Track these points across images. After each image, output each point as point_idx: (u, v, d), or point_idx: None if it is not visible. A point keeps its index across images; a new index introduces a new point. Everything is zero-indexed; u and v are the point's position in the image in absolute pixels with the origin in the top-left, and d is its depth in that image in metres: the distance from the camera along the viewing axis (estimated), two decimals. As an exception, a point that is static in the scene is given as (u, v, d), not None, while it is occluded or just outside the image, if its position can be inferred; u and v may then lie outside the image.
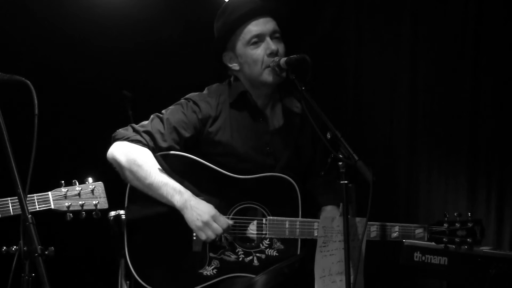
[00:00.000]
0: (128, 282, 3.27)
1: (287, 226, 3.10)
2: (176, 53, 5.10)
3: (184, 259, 3.13)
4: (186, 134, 3.20)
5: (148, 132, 3.15)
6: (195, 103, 3.25)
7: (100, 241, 3.86)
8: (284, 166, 3.25)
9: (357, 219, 2.94)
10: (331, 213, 3.24)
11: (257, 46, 3.18)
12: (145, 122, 3.21)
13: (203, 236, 3.04)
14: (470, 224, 3.09)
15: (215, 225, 3.03)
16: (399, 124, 5.16)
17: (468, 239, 3.08)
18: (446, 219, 3.11)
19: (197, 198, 3.07)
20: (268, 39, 3.18)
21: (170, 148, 3.17)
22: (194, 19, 5.02)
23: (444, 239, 3.10)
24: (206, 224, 3.02)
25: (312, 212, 3.29)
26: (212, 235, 3.03)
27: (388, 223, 3.09)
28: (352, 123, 5.20)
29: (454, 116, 4.92)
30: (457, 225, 3.09)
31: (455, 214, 3.12)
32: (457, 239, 3.09)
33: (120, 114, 4.19)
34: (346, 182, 2.75)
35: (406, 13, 5.11)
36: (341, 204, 2.79)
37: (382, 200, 3.08)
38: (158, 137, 3.15)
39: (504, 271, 3.45)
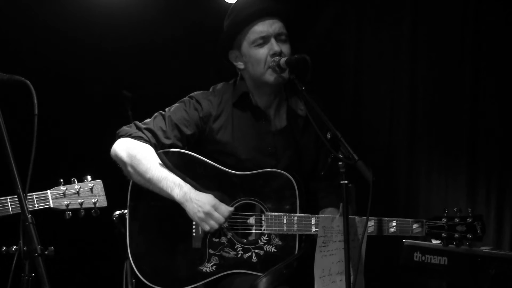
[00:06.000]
0: (134, 280, 3.26)
1: (285, 221, 3.10)
2: (176, 54, 5.10)
3: (184, 256, 3.14)
4: (188, 132, 3.22)
5: (150, 130, 3.18)
6: (197, 101, 3.28)
7: (101, 239, 3.86)
8: (285, 167, 3.24)
9: (357, 218, 2.94)
10: (330, 214, 3.23)
11: (262, 47, 3.18)
12: (148, 120, 3.25)
13: (206, 227, 3.05)
14: (469, 220, 3.00)
15: (216, 214, 3.04)
16: (399, 124, 5.16)
17: (468, 235, 2.99)
18: (445, 214, 3.04)
19: (196, 190, 3.08)
20: (272, 40, 3.18)
21: (173, 145, 3.19)
22: (194, 20, 5.03)
23: (443, 234, 3.02)
24: (208, 214, 3.03)
25: (313, 206, 3.27)
26: (215, 225, 3.04)
27: (385, 218, 3.06)
28: (352, 123, 5.20)
29: (454, 116, 4.92)
30: (456, 220, 3.01)
31: (455, 210, 3.04)
32: (456, 235, 3.00)
33: (120, 114, 4.18)
34: (346, 182, 2.76)
35: (406, 14, 5.12)
36: (341, 204, 2.79)
37: (382, 200, 3.07)
38: (160, 134, 3.18)
39: (504, 271, 3.44)
